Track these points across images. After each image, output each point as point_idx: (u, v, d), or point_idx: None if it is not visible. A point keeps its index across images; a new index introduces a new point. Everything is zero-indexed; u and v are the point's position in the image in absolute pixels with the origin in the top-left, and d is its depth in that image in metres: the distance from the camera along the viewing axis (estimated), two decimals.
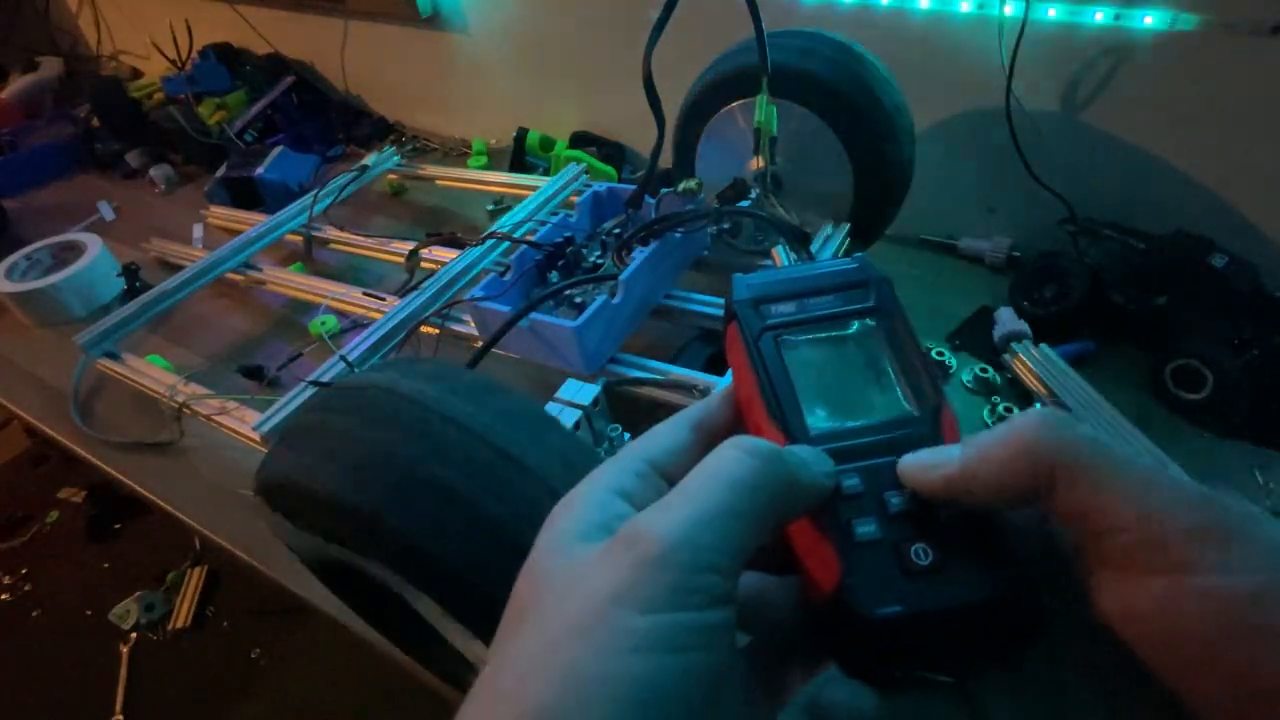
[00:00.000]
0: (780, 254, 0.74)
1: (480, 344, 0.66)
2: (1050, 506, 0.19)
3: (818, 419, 0.22)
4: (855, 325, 0.24)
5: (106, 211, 1.27)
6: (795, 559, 0.21)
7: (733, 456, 0.19)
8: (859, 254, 0.26)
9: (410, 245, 0.91)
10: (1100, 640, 0.19)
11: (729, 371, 0.68)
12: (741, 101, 0.76)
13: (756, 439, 0.20)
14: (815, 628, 0.21)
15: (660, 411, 0.65)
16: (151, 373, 0.80)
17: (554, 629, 0.17)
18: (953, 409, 0.22)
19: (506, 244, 0.85)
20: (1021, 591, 0.19)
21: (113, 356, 0.85)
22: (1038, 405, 0.67)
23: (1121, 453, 0.18)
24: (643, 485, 0.21)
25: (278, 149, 1.19)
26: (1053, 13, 0.74)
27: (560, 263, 0.74)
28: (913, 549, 0.20)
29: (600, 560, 0.18)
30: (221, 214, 1.13)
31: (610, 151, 1.15)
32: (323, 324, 0.83)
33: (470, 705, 0.17)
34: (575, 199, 0.83)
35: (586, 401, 0.56)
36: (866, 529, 0.20)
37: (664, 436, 0.23)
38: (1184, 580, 0.17)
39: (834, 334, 0.24)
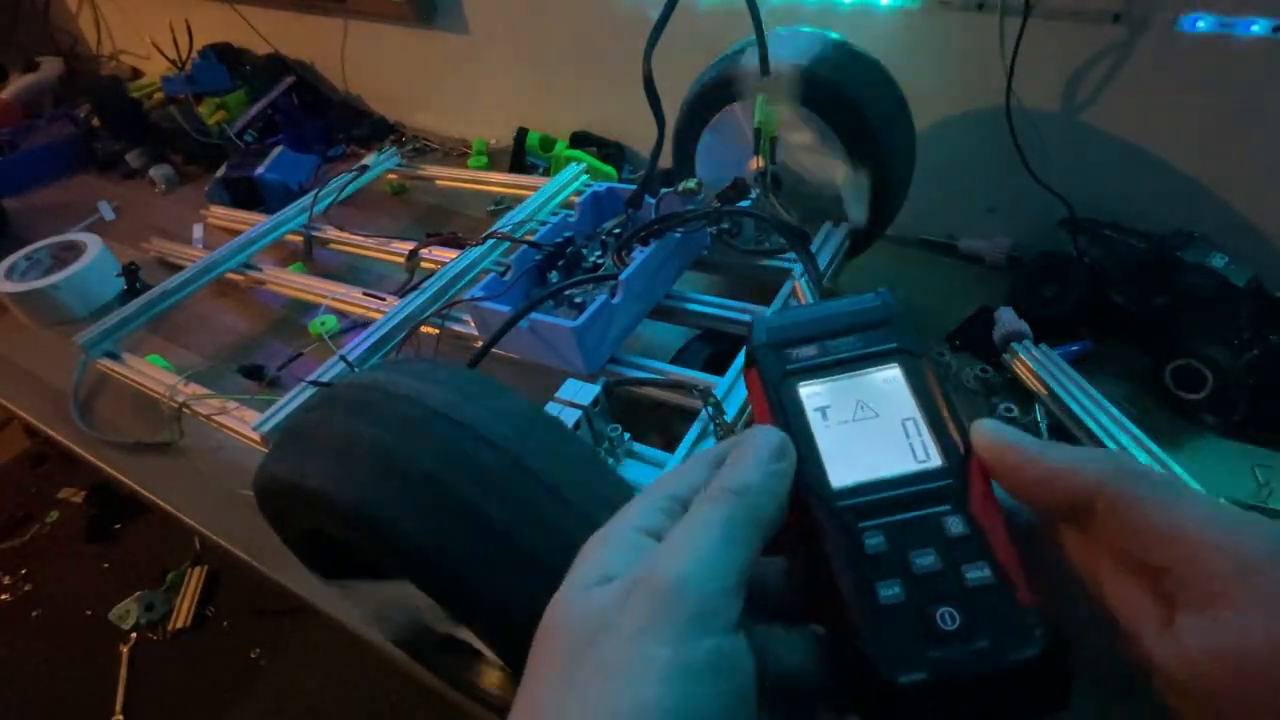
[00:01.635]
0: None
1: (480, 344, 0.66)
2: (1112, 541, 0.19)
3: (840, 472, 0.22)
4: (878, 368, 0.23)
5: (106, 211, 1.27)
6: (818, 614, 0.21)
7: (714, 501, 0.21)
8: (883, 290, 0.25)
9: (410, 245, 0.91)
10: (1130, 693, 0.19)
11: (729, 371, 0.68)
12: (741, 102, 0.76)
13: (733, 478, 0.21)
14: (839, 682, 0.21)
15: (660, 411, 0.65)
16: (151, 373, 0.80)
17: (586, 671, 0.18)
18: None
19: (506, 244, 0.85)
20: (1050, 656, 0.18)
21: (113, 356, 0.85)
22: (1037, 406, 0.67)
23: (1184, 483, 0.19)
24: (670, 521, 0.22)
25: (278, 149, 1.19)
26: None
27: (560, 263, 0.74)
28: (939, 613, 0.19)
29: (621, 602, 0.19)
30: (221, 214, 1.13)
31: (610, 151, 1.15)
32: (323, 324, 0.84)
33: None
34: (575, 199, 0.83)
35: (586, 401, 0.56)
36: (890, 591, 0.20)
37: (689, 474, 0.23)
38: None
39: (856, 378, 0.23)
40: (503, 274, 0.72)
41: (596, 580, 0.20)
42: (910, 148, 0.78)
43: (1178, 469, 0.58)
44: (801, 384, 0.23)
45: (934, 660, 0.19)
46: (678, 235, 0.72)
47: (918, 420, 0.22)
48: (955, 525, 0.20)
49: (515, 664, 0.41)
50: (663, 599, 0.18)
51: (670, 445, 0.59)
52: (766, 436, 0.22)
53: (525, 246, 0.74)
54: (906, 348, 0.24)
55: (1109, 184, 0.80)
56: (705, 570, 0.19)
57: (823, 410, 0.23)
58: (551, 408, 0.56)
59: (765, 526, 0.21)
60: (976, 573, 0.20)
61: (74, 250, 1.04)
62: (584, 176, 1.02)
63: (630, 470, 0.56)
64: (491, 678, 0.54)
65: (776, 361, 0.24)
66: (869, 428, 0.22)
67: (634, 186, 0.77)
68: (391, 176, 1.18)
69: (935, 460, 0.22)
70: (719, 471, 0.22)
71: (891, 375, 0.23)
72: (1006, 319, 0.73)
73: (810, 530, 0.21)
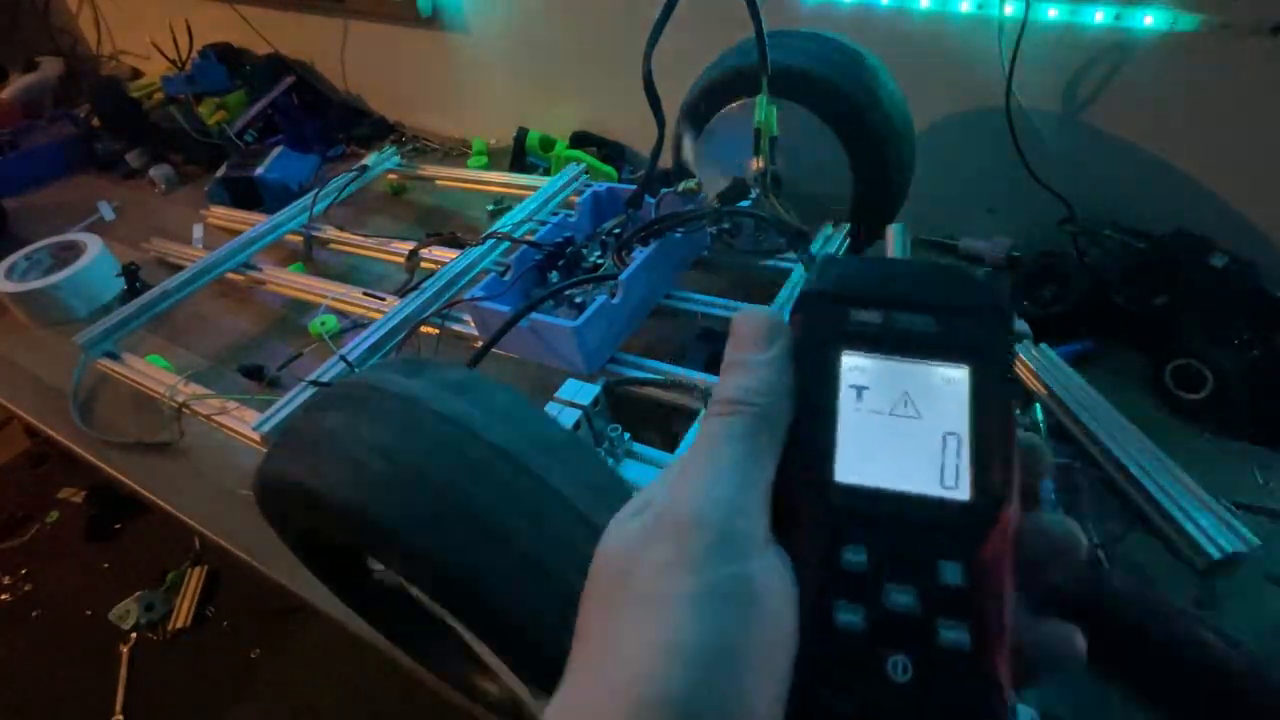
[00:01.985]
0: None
1: (480, 344, 0.66)
2: None
3: (850, 467, 0.19)
4: (945, 364, 0.20)
5: (106, 211, 1.27)
6: None
7: (716, 417, 0.20)
8: (998, 275, 0.22)
9: (410, 245, 0.91)
10: None
11: None
12: (741, 101, 0.76)
13: (728, 385, 0.20)
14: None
15: (660, 411, 0.65)
16: (151, 373, 0.81)
17: (623, 608, 0.18)
18: (1020, 513, 0.19)
19: (506, 244, 0.85)
20: None
21: (113, 356, 0.85)
22: (1037, 406, 0.67)
23: None
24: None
25: (278, 149, 1.19)
26: (1054, 13, 0.74)
27: (560, 263, 0.74)
28: (891, 660, 0.17)
29: (648, 534, 0.19)
30: (221, 214, 1.13)
31: (610, 151, 1.15)
32: (323, 324, 0.84)
33: (572, 687, 0.18)
34: (575, 199, 0.83)
35: (586, 401, 0.56)
36: (849, 617, 0.18)
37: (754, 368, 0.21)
38: None
39: (913, 365, 0.20)
40: (503, 274, 0.72)
41: (638, 506, 0.20)
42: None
43: (1178, 469, 0.58)
44: (846, 351, 0.20)
45: (869, 704, 0.17)
46: (678, 235, 0.72)
47: (963, 440, 0.19)
48: (951, 574, 0.18)
49: (516, 663, 0.41)
50: (683, 529, 0.18)
51: (670, 445, 0.59)
52: (750, 321, 0.21)
53: (525, 246, 0.74)
54: (985, 349, 0.19)
55: (1109, 184, 0.80)
56: (720, 493, 0.19)
57: (859, 390, 0.20)
58: (551, 408, 0.56)
59: (776, 424, 0.20)
60: (952, 634, 0.17)
61: (74, 250, 1.04)
62: (584, 176, 1.02)
63: (630, 470, 0.56)
64: (491, 679, 0.54)
65: (828, 315, 0.20)
66: (904, 428, 0.19)
67: (634, 186, 0.77)
68: (391, 176, 1.18)
69: (963, 493, 0.18)
70: (720, 381, 0.21)
71: (957, 376, 0.19)
72: None
73: (792, 515, 0.19)
